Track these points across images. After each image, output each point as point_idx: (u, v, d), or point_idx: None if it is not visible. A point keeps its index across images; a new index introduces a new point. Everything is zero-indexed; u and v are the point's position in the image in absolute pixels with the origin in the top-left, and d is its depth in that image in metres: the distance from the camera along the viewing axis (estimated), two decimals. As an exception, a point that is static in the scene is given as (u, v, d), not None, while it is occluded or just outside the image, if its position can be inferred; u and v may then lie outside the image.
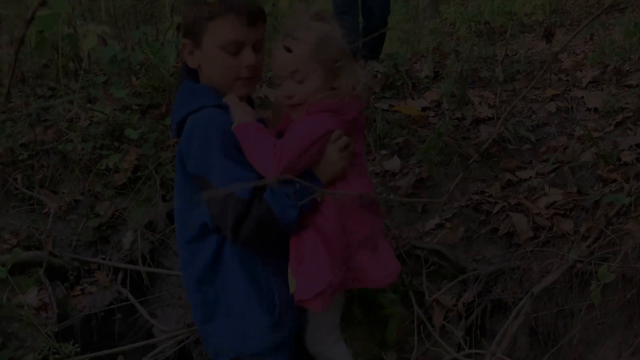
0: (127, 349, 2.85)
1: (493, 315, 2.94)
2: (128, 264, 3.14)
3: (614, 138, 3.23)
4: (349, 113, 1.55)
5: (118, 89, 3.61)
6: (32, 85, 3.96)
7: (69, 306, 2.97)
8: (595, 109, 3.54)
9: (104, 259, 3.15)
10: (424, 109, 3.75)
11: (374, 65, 4.08)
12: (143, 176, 3.30)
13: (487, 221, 3.10)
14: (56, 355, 2.55)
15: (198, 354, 2.94)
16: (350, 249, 1.59)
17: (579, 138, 3.29)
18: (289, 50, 1.52)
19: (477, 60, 4.25)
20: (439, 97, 3.78)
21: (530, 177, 3.20)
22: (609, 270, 2.37)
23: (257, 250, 1.61)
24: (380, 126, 3.49)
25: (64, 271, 3.02)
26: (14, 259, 2.70)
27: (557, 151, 3.23)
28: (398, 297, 1.96)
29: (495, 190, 3.18)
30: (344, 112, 1.54)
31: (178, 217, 1.72)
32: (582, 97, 3.67)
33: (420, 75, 4.15)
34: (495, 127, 3.40)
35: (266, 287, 1.61)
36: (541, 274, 2.78)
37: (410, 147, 3.48)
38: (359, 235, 1.61)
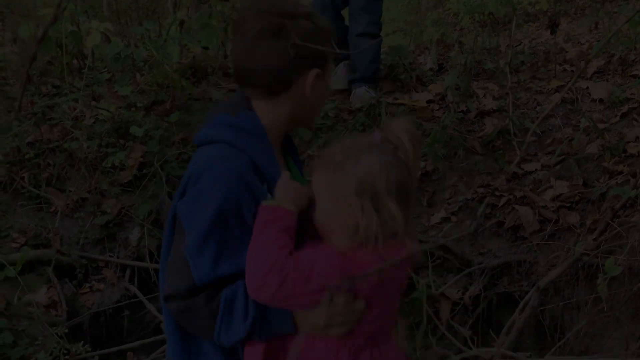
0: (136, 345, 2.87)
1: (499, 308, 2.95)
2: (135, 261, 3.17)
3: (619, 129, 3.22)
4: (364, 267, 1.17)
5: (122, 86, 3.60)
6: (36, 83, 3.97)
7: (78, 303, 2.99)
8: (601, 100, 3.52)
9: (111, 256, 3.17)
10: (428, 102, 3.74)
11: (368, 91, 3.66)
12: (149, 173, 3.31)
13: (493, 214, 3.10)
14: (67, 357, 2.57)
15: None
16: None
17: (584, 130, 3.28)
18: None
19: (481, 52, 4.23)
20: (444, 89, 3.77)
21: (536, 169, 3.20)
22: (615, 263, 2.38)
23: None
24: (385, 120, 3.48)
25: (72, 269, 3.05)
26: (23, 259, 2.71)
27: (562, 143, 3.22)
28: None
29: (500, 183, 3.18)
30: (356, 264, 1.17)
31: (162, 262, 1.36)
32: (587, 87, 3.64)
33: (424, 67, 4.13)
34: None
35: None
36: (547, 266, 2.79)
37: (415, 140, 3.47)
38: None
